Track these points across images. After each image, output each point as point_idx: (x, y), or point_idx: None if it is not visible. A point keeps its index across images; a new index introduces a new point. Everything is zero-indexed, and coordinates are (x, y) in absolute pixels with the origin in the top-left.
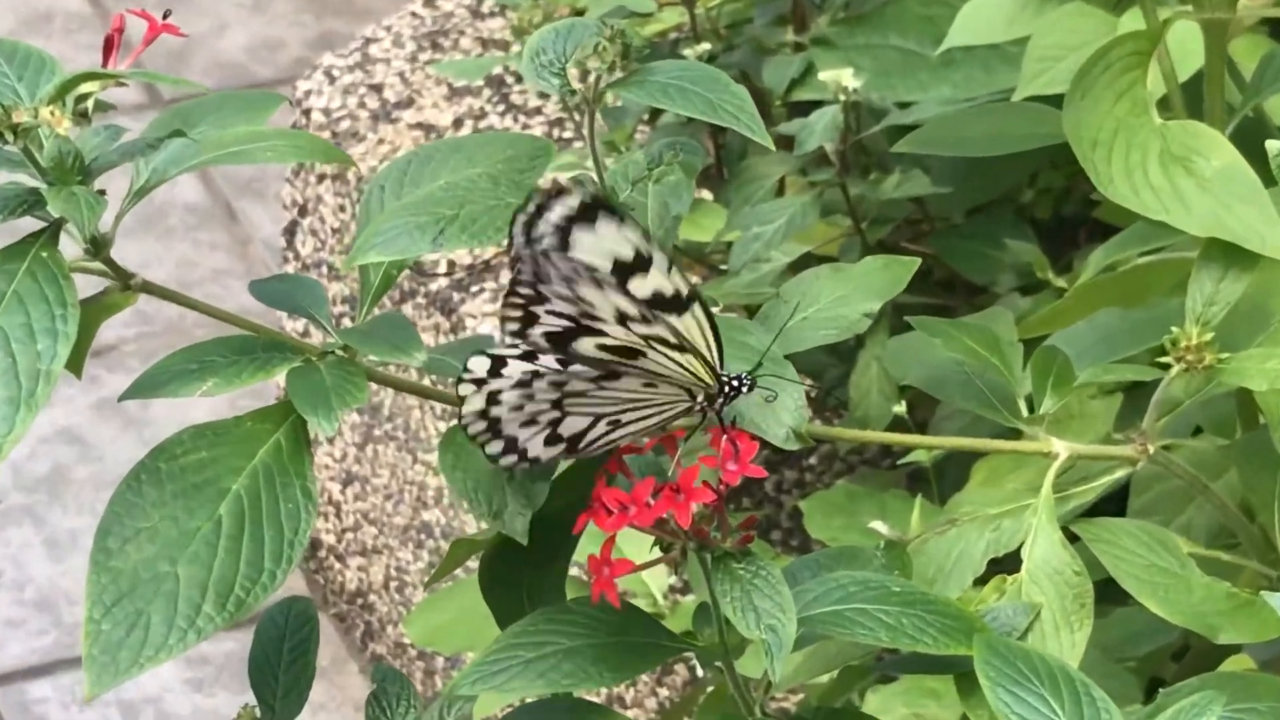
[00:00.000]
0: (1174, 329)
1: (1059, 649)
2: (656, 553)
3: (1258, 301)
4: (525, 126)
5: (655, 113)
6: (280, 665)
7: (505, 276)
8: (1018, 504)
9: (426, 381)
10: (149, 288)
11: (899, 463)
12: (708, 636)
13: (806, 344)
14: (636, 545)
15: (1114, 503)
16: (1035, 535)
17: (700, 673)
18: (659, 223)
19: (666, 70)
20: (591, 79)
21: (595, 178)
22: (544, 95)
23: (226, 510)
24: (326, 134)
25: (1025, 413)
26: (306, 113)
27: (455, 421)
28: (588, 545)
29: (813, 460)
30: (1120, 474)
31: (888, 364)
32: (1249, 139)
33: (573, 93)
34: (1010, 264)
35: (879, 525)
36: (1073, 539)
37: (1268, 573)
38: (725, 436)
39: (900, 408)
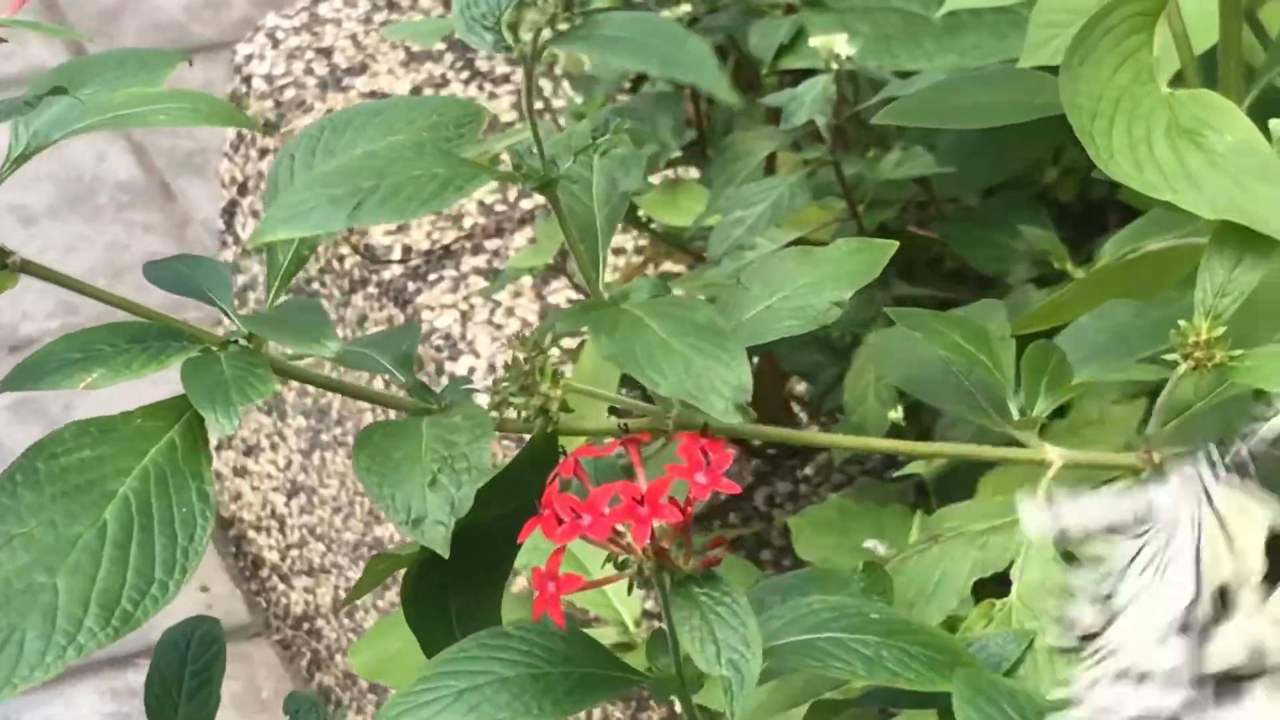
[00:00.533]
0: (1181, 322)
1: (1054, 681)
2: (610, 569)
3: (1277, 293)
4: (492, 95)
5: (635, 84)
6: (181, 695)
7: (467, 263)
8: (1007, 519)
9: (378, 382)
10: (29, 268)
11: (895, 474)
12: (664, 666)
13: (769, 336)
14: (595, 559)
15: None
16: (1026, 554)
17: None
18: (605, 200)
19: (617, 22)
20: (530, 33)
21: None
22: (513, 61)
23: (112, 515)
24: (269, 103)
25: (1017, 416)
26: (247, 80)
27: (377, 422)
28: (538, 562)
29: (808, 471)
30: (1119, 486)
31: (873, 361)
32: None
33: (508, 48)
34: (1025, 252)
35: (874, 544)
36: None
37: None
38: (696, 444)
39: (897, 414)
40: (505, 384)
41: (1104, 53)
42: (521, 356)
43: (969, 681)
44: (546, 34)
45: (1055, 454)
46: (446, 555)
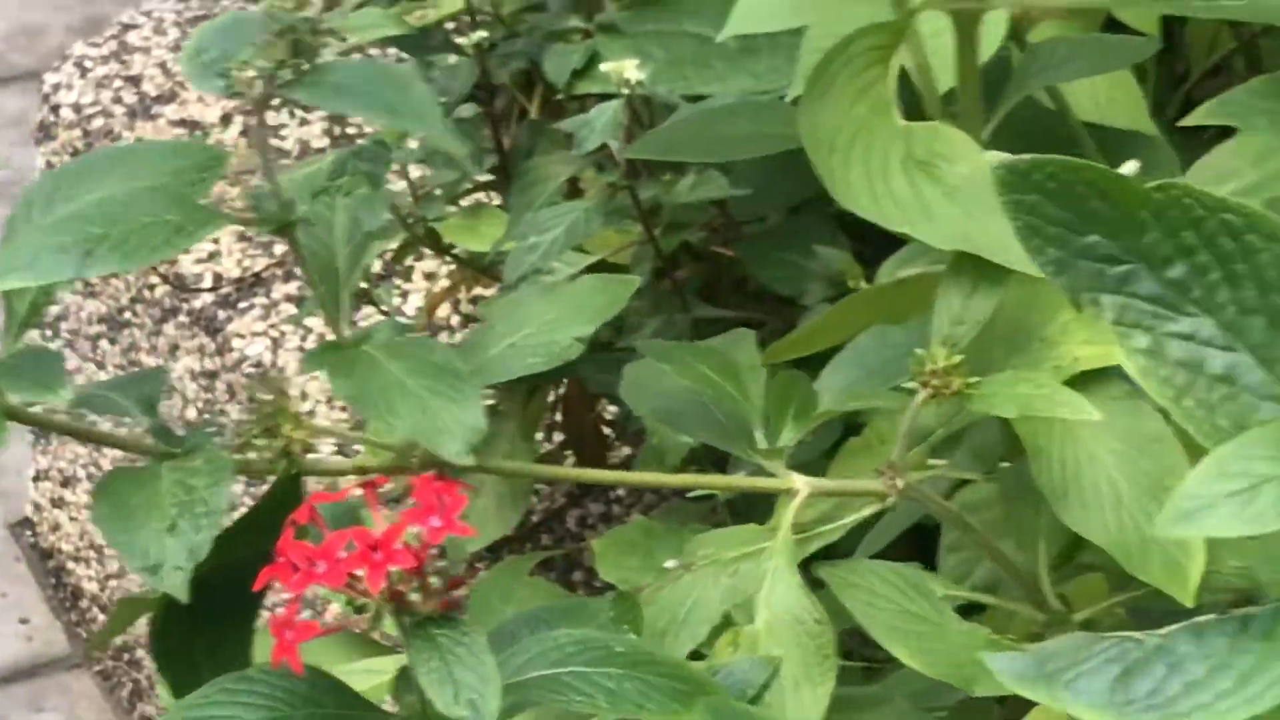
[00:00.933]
0: (918, 350)
1: (800, 708)
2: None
3: (1017, 320)
4: (304, 122)
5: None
6: None
7: (278, 290)
8: (758, 545)
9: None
10: None
11: (689, 495)
12: (410, 704)
13: (513, 373)
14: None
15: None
16: (773, 581)
17: None
18: (347, 239)
19: (344, 70)
20: (259, 79)
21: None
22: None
23: None
24: (78, 132)
25: (764, 445)
26: (55, 109)
27: (118, 467)
28: None
29: (620, 492)
30: (868, 511)
31: (623, 394)
32: (1042, 138)
33: (237, 95)
34: (820, 272)
35: (675, 564)
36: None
37: (1037, 617)
38: (430, 487)
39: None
40: (248, 426)
41: (843, 85)
42: (264, 398)
43: (713, 710)
44: (283, 76)
45: (801, 482)
46: (186, 600)
